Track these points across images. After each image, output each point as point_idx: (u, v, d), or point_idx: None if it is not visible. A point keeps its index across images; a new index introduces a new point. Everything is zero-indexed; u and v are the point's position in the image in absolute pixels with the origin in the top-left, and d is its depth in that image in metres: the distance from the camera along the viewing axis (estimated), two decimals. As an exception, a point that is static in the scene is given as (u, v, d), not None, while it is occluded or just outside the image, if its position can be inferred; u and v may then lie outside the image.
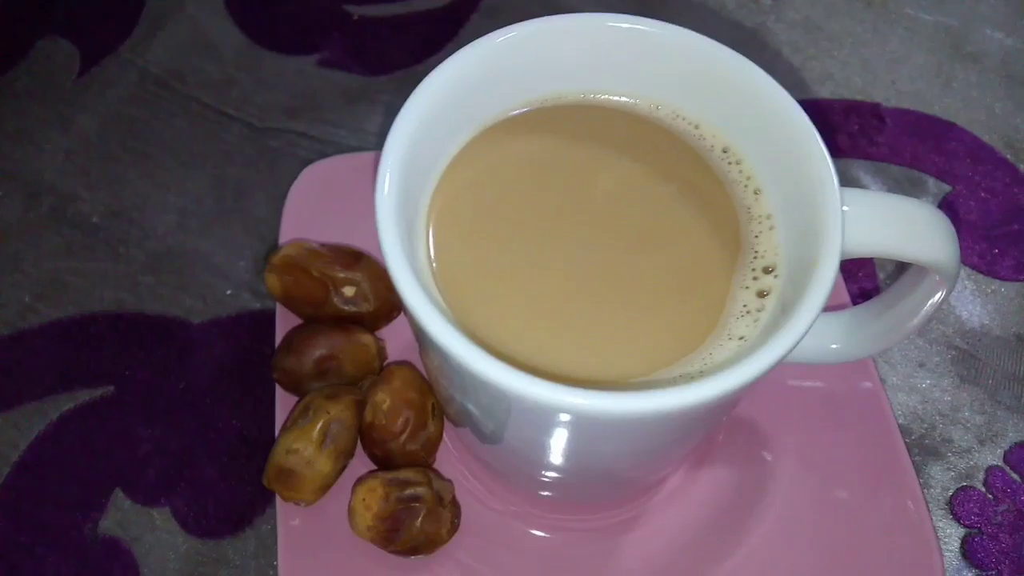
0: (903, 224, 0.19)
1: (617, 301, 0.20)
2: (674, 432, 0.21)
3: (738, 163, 0.21)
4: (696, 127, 0.22)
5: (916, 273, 0.22)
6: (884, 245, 0.19)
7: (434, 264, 0.20)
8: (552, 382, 0.17)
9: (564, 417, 0.19)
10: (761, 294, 0.20)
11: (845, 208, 0.19)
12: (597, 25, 0.21)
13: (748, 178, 0.21)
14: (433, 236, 0.20)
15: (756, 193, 0.21)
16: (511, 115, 0.22)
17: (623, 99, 0.22)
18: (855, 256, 0.19)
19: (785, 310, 0.19)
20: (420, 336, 0.19)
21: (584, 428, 0.20)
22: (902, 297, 0.22)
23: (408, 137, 0.19)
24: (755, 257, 0.20)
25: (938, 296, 0.21)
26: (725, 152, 0.22)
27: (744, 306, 0.20)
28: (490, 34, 0.21)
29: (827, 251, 0.18)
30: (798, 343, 0.17)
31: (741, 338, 0.19)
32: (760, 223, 0.21)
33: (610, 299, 0.20)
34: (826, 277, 0.18)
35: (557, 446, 0.22)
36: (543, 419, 0.19)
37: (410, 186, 0.20)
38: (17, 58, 0.39)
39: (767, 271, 0.20)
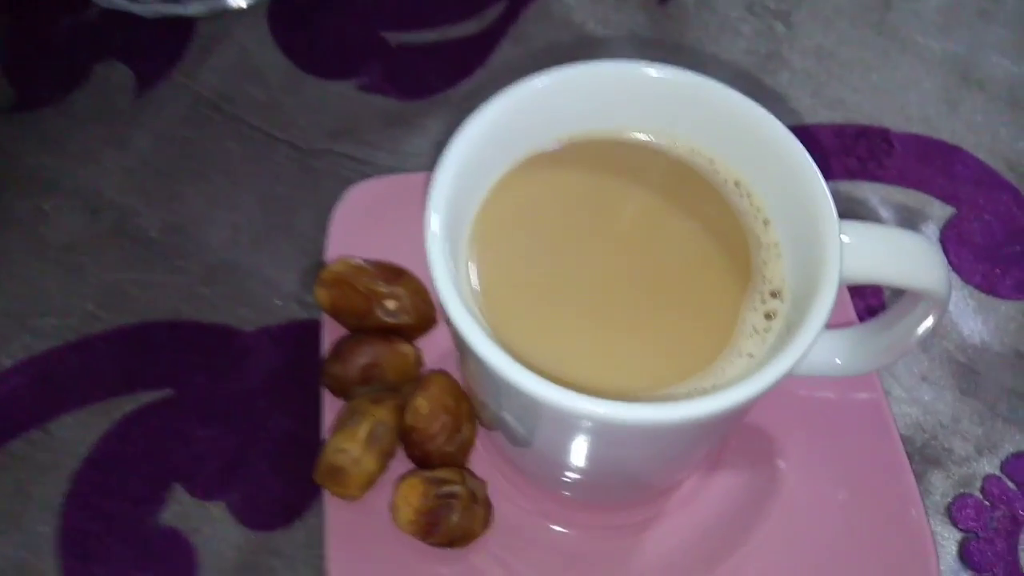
0: (898, 255, 0.22)
1: (638, 320, 0.22)
2: (687, 441, 0.23)
3: (749, 196, 0.24)
4: (711, 162, 0.24)
5: (910, 298, 0.24)
6: (880, 274, 0.21)
7: (474, 286, 0.23)
8: (577, 392, 0.19)
9: (587, 424, 0.21)
10: (768, 316, 0.22)
11: (845, 239, 0.21)
12: (623, 72, 0.23)
13: (758, 209, 0.23)
14: (475, 260, 0.23)
15: (765, 223, 0.23)
16: (544, 151, 0.24)
17: (645, 136, 0.25)
18: (853, 284, 0.22)
19: (790, 331, 0.21)
20: (463, 350, 0.22)
21: (605, 435, 0.22)
22: (898, 319, 0.24)
23: (452, 174, 0.22)
24: (763, 282, 0.22)
25: (930, 320, 0.23)
26: (737, 185, 0.24)
27: (753, 327, 0.22)
28: (526, 79, 0.23)
29: (827, 280, 0.20)
30: (800, 361, 0.20)
31: (750, 355, 0.21)
32: (768, 251, 0.23)
33: (631, 319, 0.22)
34: (825, 304, 0.20)
35: (580, 450, 0.24)
36: (568, 425, 0.22)
37: (454, 217, 0.22)
38: (78, 82, 0.42)
39: (774, 295, 0.22)
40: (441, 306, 0.21)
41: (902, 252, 0.22)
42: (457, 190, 0.22)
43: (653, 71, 0.23)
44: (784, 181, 0.22)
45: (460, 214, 0.23)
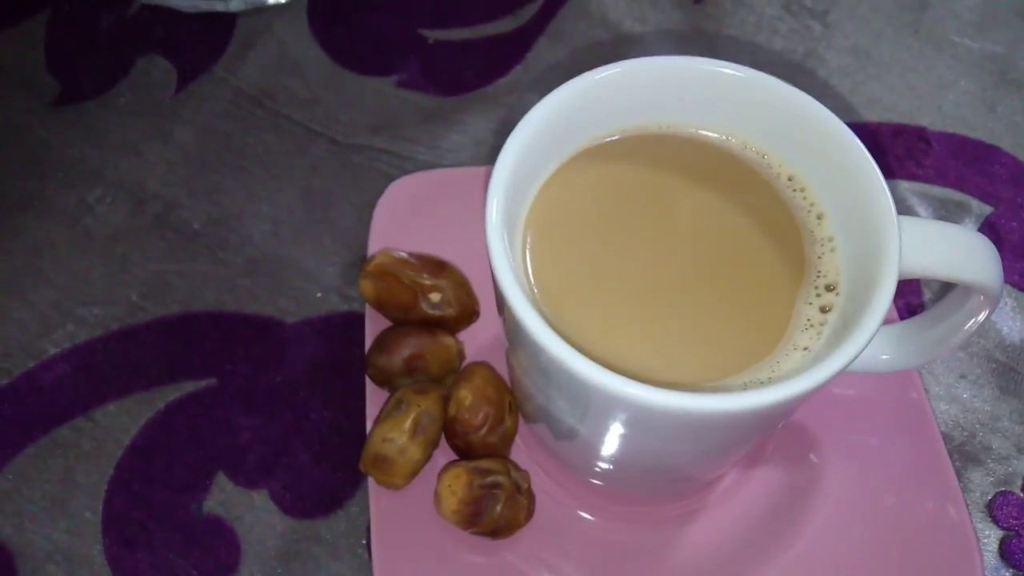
0: (953, 248, 0.22)
1: (692, 313, 0.22)
2: (738, 434, 0.23)
3: (802, 190, 0.24)
4: (763, 156, 0.24)
5: (962, 293, 0.24)
6: (936, 268, 0.22)
7: (530, 273, 0.23)
8: (635, 380, 0.20)
9: (641, 413, 0.21)
10: (823, 309, 0.22)
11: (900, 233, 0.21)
12: (677, 67, 0.23)
13: (811, 204, 0.24)
14: (529, 247, 0.23)
15: (819, 218, 0.23)
16: (599, 143, 0.24)
17: (697, 131, 0.25)
18: (909, 277, 0.22)
19: (846, 324, 0.21)
20: (517, 336, 0.22)
21: (657, 425, 0.22)
22: (948, 314, 0.24)
23: (512, 163, 0.22)
24: (818, 276, 0.23)
25: (982, 315, 0.23)
26: (790, 180, 0.24)
27: (808, 320, 0.22)
28: (585, 73, 0.23)
29: (886, 273, 0.20)
30: (859, 354, 0.20)
31: (805, 349, 0.22)
32: (823, 245, 0.23)
33: (686, 311, 0.22)
34: (885, 296, 0.20)
35: (628, 442, 0.24)
36: (621, 415, 0.22)
37: (510, 206, 0.22)
38: (119, 75, 0.42)
39: (829, 289, 0.22)
40: (498, 292, 0.21)
41: (957, 246, 0.22)
42: (515, 179, 0.22)
43: (707, 66, 0.23)
44: (840, 175, 0.23)
45: (516, 203, 0.23)
